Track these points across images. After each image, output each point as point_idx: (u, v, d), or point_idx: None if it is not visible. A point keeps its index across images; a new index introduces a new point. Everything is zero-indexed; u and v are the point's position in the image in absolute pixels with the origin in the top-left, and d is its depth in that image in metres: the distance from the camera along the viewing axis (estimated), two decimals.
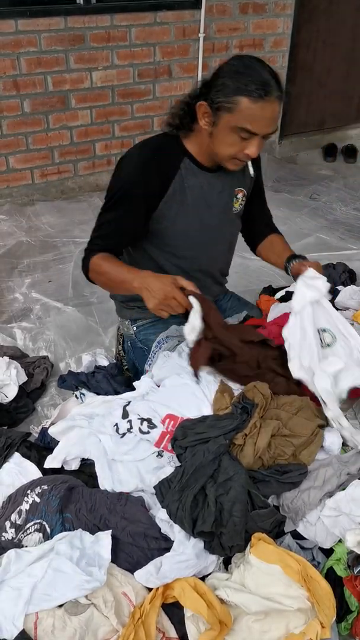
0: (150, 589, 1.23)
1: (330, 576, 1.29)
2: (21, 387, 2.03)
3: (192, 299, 1.48)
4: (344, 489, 1.38)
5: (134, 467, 1.46)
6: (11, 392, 1.99)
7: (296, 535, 1.36)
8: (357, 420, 1.63)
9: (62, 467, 1.53)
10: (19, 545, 1.32)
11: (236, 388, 1.60)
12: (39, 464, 1.55)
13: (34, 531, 1.33)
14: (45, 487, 1.40)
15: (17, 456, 1.58)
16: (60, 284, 2.90)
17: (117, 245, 1.70)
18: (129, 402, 1.60)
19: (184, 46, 4.01)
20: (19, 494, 1.42)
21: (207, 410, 1.54)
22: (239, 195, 1.80)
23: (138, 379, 1.70)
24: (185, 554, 1.25)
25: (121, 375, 1.93)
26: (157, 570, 1.22)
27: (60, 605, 1.18)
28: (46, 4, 3.43)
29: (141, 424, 1.52)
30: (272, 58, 4.45)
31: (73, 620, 1.15)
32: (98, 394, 1.79)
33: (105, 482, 1.44)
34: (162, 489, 1.34)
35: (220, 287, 2.03)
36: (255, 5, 4.17)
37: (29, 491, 1.40)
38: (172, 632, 1.20)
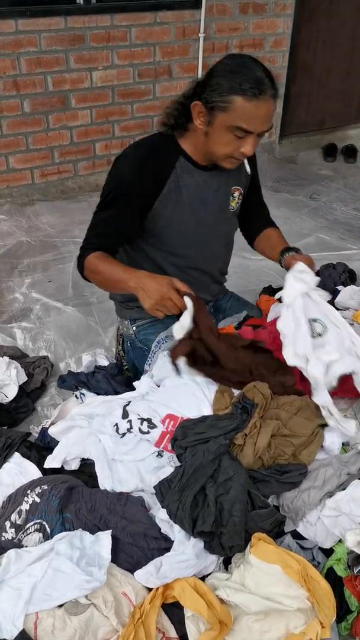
0: (150, 589, 1.23)
1: (330, 576, 1.29)
2: (21, 387, 2.03)
3: (187, 300, 1.49)
4: (344, 489, 1.38)
5: (134, 467, 1.46)
6: (11, 392, 1.99)
7: (296, 535, 1.36)
8: (357, 420, 1.63)
9: (62, 467, 1.53)
10: (19, 545, 1.32)
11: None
12: (39, 464, 1.55)
13: (34, 531, 1.33)
14: (45, 487, 1.40)
15: (17, 456, 1.58)
16: (60, 284, 2.90)
17: (113, 244, 1.71)
18: (129, 402, 1.60)
19: (184, 46, 4.01)
20: (19, 494, 1.42)
21: (207, 410, 1.54)
22: (236, 194, 1.80)
23: (138, 379, 1.71)
24: (185, 554, 1.25)
25: (121, 375, 1.93)
26: (157, 570, 1.22)
27: (60, 605, 1.18)
28: (46, 4, 3.42)
29: (141, 424, 1.52)
30: (272, 58, 4.45)
31: (73, 620, 1.15)
32: (98, 394, 1.79)
33: (105, 482, 1.45)
34: (162, 489, 1.34)
35: (219, 286, 2.03)
36: (255, 5, 4.17)
37: (29, 491, 1.40)
38: (172, 632, 1.20)
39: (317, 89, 4.92)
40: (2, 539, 1.35)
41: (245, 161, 1.68)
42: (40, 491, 1.39)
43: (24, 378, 2.06)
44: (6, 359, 2.07)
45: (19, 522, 1.36)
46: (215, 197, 1.74)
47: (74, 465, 1.54)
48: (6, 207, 3.67)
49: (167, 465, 1.45)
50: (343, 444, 1.52)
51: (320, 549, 1.36)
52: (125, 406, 1.58)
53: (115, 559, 1.27)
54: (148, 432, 1.50)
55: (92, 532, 1.30)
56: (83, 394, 1.80)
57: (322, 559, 1.35)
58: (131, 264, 1.79)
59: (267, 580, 1.21)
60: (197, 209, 1.71)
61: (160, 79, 4.00)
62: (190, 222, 1.71)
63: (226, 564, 1.33)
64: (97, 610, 1.18)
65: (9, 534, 1.35)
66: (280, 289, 2.27)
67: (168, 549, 1.28)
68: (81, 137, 3.89)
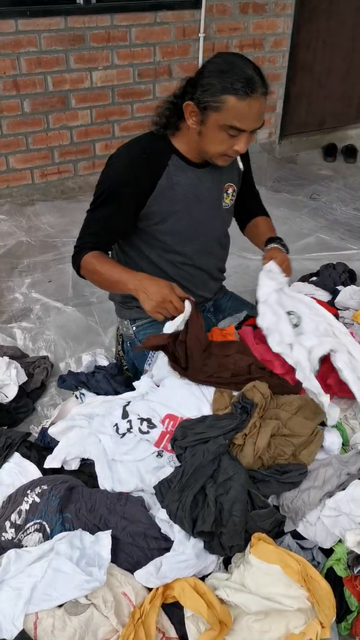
0: (150, 589, 1.23)
1: (330, 576, 1.29)
2: (21, 387, 2.03)
3: (186, 303, 1.53)
4: (344, 489, 1.38)
5: (133, 467, 1.46)
6: (11, 392, 1.99)
7: (296, 535, 1.36)
8: (357, 420, 1.63)
9: (62, 467, 1.53)
10: (19, 545, 1.32)
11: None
12: (39, 464, 1.56)
13: (33, 531, 1.33)
14: (45, 487, 1.40)
15: (17, 456, 1.58)
16: (60, 284, 2.90)
17: (107, 243, 1.74)
18: (129, 402, 1.60)
19: (184, 46, 4.01)
20: (19, 494, 1.42)
21: (207, 410, 1.54)
22: (229, 191, 1.82)
23: (138, 378, 1.71)
24: (185, 554, 1.25)
25: (121, 375, 1.93)
26: (157, 570, 1.22)
27: (60, 605, 1.18)
28: (46, 4, 3.42)
29: (141, 423, 1.52)
30: (272, 58, 4.45)
31: (73, 620, 1.15)
32: (98, 394, 1.79)
33: (105, 482, 1.45)
34: (162, 489, 1.34)
35: (218, 283, 2.03)
36: (255, 5, 4.17)
37: (29, 491, 1.40)
38: (172, 632, 1.20)
39: (317, 89, 4.92)
40: (2, 539, 1.35)
41: (238, 158, 1.70)
42: (40, 491, 1.39)
43: (24, 378, 2.06)
44: (6, 359, 2.07)
45: (19, 522, 1.36)
46: (210, 194, 1.75)
47: (74, 465, 1.54)
48: (6, 207, 3.67)
49: (167, 465, 1.45)
50: (343, 444, 1.52)
51: (320, 549, 1.36)
52: (125, 406, 1.58)
53: (115, 559, 1.27)
54: (148, 432, 1.50)
55: (92, 532, 1.30)
56: (83, 394, 1.80)
57: (322, 559, 1.35)
58: (126, 261, 1.80)
59: (267, 580, 1.21)
60: (191, 206, 1.72)
61: (160, 79, 4.00)
62: (184, 219, 1.72)
63: (226, 564, 1.33)
64: (97, 610, 1.18)
65: (9, 534, 1.35)
66: None
67: (168, 549, 1.28)
68: (81, 137, 3.89)
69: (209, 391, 1.58)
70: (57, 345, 2.41)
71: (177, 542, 1.27)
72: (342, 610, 1.28)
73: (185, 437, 1.43)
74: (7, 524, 1.37)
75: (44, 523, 1.34)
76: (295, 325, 1.69)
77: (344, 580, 1.28)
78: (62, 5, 3.48)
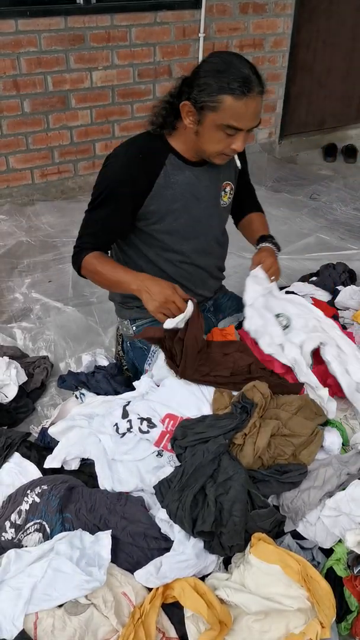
0: (150, 589, 1.23)
1: (330, 576, 1.29)
2: (21, 387, 2.03)
3: (189, 303, 1.54)
4: (344, 489, 1.38)
5: (133, 466, 1.46)
6: (11, 392, 1.99)
7: (296, 535, 1.36)
8: (357, 420, 1.63)
9: (62, 467, 1.53)
10: (19, 545, 1.32)
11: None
12: (39, 464, 1.56)
13: (33, 531, 1.33)
14: (45, 487, 1.40)
15: (17, 456, 1.58)
16: (60, 284, 2.90)
17: (107, 243, 1.76)
18: (129, 402, 1.60)
19: (184, 46, 4.01)
20: (19, 494, 1.42)
21: (207, 410, 1.54)
22: (227, 189, 1.83)
23: (138, 378, 1.71)
24: (185, 554, 1.25)
25: (121, 375, 1.93)
26: (157, 570, 1.22)
27: (60, 605, 1.18)
28: (46, 4, 3.42)
29: (141, 423, 1.52)
30: (272, 58, 4.45)
31: (73, 620, 1.15)
32: (98, 394, 1.79)
33: (105, 481, 1.45)
34: (162, 489, 1.34)
35: (218, 282, 2.04)
36: (255, 5, 4.17)
37: (28, 491, 1.40)
38: (172, 632, 1.20)
39: (317, 89, 4.92)
40: (2, 539, 1.35)
41: (235, 156, 1.70)
42: (40, 491, 1.39)
43: (24, 378, 2.06)
44: (6, 359, 2.07)
45: (18, 522, 1.36)
46: (207, 192, 1.76)
47: (74, 465, 1.54)
48: (6, 207, 3.66)
49: (167, 465, 1.45)
50: (343, 444, 1.52)
51: (320, 549, 1.36)
52: (125, 406, 1.58)
53: (115, 559, 1.27)
54: (148, 432, 1.50)
55: (92, 532, 1.30)
56: (83, 394, 1.80)
57: (322, 559, 1.35)
58: (125, 260, 1.81)
59: (267, 580, 1.21)
60: (189, 205, 1.72)
61: (160, 79, 4.00)
62: (182, 218, 1.72)
63: (226, 564, 1.33)
64: (97, 610, 1.18)
65: (9, 534, 1.35)
66: (281, 288, 2.30)
67: (168, 549, 1.28)
68: (81, 137, 3.89)
69: (209, 391, 1.58)
70: (57, 345, 2.41)
71: (177, 542, 1.27)
72: (342, 610, 1.28)
73: (185, 436, 1.43)
74: (7, 524, 1.37)
75: (44, 523, 1.34)
76: (286, 327, 1.73)
77: (344, 580, 1.28)
78: (62, 5, 3.48)
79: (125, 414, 1.56)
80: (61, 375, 1.96)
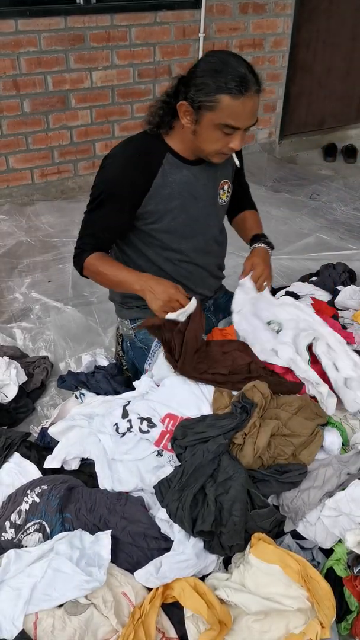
0: (150, 589, 1.23)
1: (330, 576, 1.29)
2: (21, 387, 2.03)
3: (193, 299, 1.56)
4: (344, 489, 1.38)
5: (133, 466, 1.46)
6: (11, 392, 1.99)
7: (296, 535, 1.36)
8: (357, 419, 1.63)
9: (62, 467, 1.53)
10: (18, 545, 1.32)
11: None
12: (39, 464, 1.55)
13: (33, 531, 1.33)
14: (45, 487, 1.40)
15: (17, 456, 1.58)
16: (60, 284, 2.90)
17: (107, 243, 1.77)
18: (129, 402, 1.60)
19: (184, 46, 4.01)
20: (19, 494, 1.42)
21: (207, 410, 1.54)
22: (225, 187, 1.83)
23: (137, 378, 1.71)
24: (185, 554, 1.25)
25: (121, 375, 1.93)
26: (157, 570, 1.22)
27: (60, 605, 1.18)
28: (46, 3, 3.42)
29: (141, 423, 1.52)
30: (272, 58, 4.45)
31: (73, 620, 1.15)
32: (98, 394, 1.79)
33: (105, 481, 1.44)
34: (162, 489, 1.34)
35: (218, 281, 2.04)
36: (255, 5, 4.17)
37: (28, 491, 1.40)
38: (172, 632, 1.20)
39: (317, 89, 4.92)
40: (2, 539, 1.35)
41: (233, 154, 1.71)
42: (40, 491, 1.39)
43: (24, 378, 2.06)
44: (6, 359, 2.07)
45: (18, 522, 1.36)
46: (205, 191, 1.76)
47: (74, 465, 1.54)
48: (6, 207, 3.67)
49: (167, 465, 1.45)
50: (343, 444, 1.52)
51: (320, 549, 1.36)
52: (125, 406, 1.58)
53: (115, 559, 1.27)
54: (148, 432, 1.50)
55: (92, 532, 1.30)
56: (83, 394, 1.80)
57: (322, 559, 1.35)
58: (125, 260, 1.81)
59: (267, 580, 1.21)
60: (187, 204, 1.73)
61: (160, 79, 4.00)
62: (180, 217, 1.73)
63: (226, 564, 1.33)
64: (97, 610, 1.18)
65: (9, 534, 1.35)
66: (281, 288, 2.30)
67: (168, 549, 1.28)
68: (81, 137, 3.89)
69: (209, 390, 1.58)
70: (57, 345, 2.41)
71: (177, 542, 1.27)
72: (342, 610, 1.28)
73: (185, 436, 1.43)
74: (7, 524, 1.37)
75: (44, 523, 1.34)
76: (279, 332, 1.76)
77: (344, 580, 1.28)
78: (62, 5, 3.48)
79: (125, 414, 1.56)
80: (61, 375, 1.96)
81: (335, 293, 2.26)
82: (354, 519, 1.33)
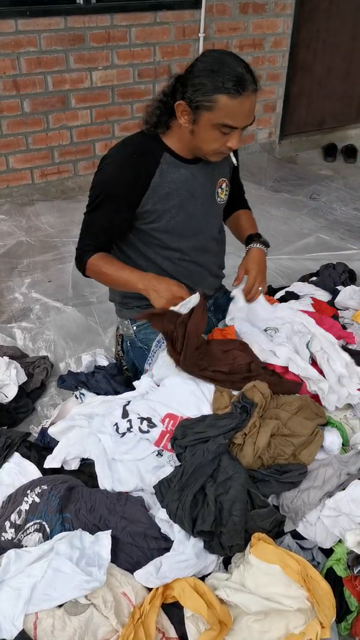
0: (150, 589, 1.23)
1: (330, 576, 1.29)
2: (21, 387, 2.03)
3: (196, 294, 1.57)
4: (343, 489, 1.38)
5: (133, 466, 1.46)
6: (11, 392, 1.99)
7: (296, 535, 1.36)
8: (358, 419, 1.63)
9: (62, 467, 1.53)
10: (18, 545, 1.32)
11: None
12: (39, 464, 1.55)
13: (33, 531, 1.33)
14: (45, 487, 1.40)
15: (17, 456, 1.58)
16: (60, 284, 2.90)
17: (107, 243, 1.78)
18: (129, 402, 1.60)
19: (184, 46, 4.01)
20: (19, 494, 1.42)
21: (207, 410, 1.54)
22: (223, 186, 1.84)
23: (137, 378, 1.71)
24: (185, 554, 1.25)
25: (121, 375, 1.93)
26: (157, 570, 1.22)
27: (60, 606, 1.18)
28: (46, 3, 3.42)
29: (141, 423, 1.52)
30: (272, 58, 4.45)
31: (73, 620, 1.15)
32: (98, 394, 1.79)
33: (105, 481, 1.44)
34: (162, 489, 1.34)
35: (218, 280, 2.04)
36: (255, 5, 4.17)
37: (28, 491, 1.40)
38: (172, 632, 1.20)
39: (317, 89, 4.92)
40: (2, 539, 1.35)
41: (231, 153, 1.71)
42: (40, 491, 1.39)
43: (23, 378, 2.06)
44: (6, 359, 2.07)
45: (18, 522, 1.36)
46: (203, 189, 1.77)
47: (74, 465, 1.54)
48: (6, 207, 3.66)
49: (167, 465, 1.45)
50: (343, 444, 1.52)
51: (320, 549, 1.36)
52: (125, 406, 1.58)
53: (115, 559, 1.27)
54: (148, 432, 1.50)
55: (92, 532, 1.30)
56: (83, 394, 1.80)
57: (322, 559, 1.35)
58: (124, 259, 1.81)
59: (267, 580, 1.21)
60: (185, 203, 1.73)
61: (160, 79, 4.00)
62: (179, 216, 1.73)
63: (226, 564, 1.33)
64: (97, 610, 1.18)
65: (9, 534, 1.35)
66: (281, 288, 2.30)
67: (168, 549, 1.28)
68: (81, 137, 3.89)
69: (209, 390, 1.58)
70: (57, 345, 2.41)
71: (177, 542, 1.27)
72: (342, 610, 1.28)
73: (185, 436, 1.43)
74: (7, 524, 1.37)
75: (44, 523, 1.34)
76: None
77: (343, 580, 1.28)
78: (62, 5, 3.48)
79: (125, 414, 1.56)
80: (61, 375, 1.96)
81: (335, 293, 2.26)
82: (354, 519, 1.33)
